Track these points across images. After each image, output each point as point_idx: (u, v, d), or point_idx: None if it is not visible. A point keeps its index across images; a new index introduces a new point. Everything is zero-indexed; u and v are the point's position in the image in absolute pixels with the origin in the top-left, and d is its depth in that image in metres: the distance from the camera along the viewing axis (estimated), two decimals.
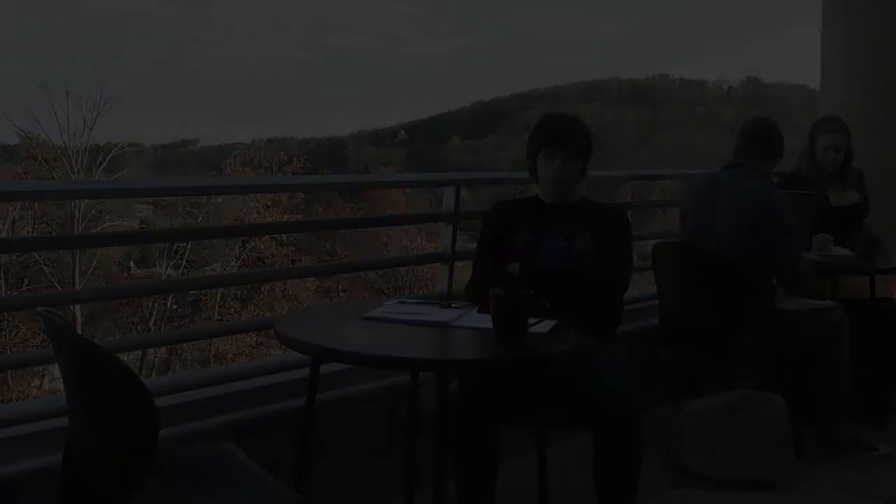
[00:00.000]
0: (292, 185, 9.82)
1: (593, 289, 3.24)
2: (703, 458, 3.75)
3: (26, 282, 26.10)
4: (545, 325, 2.63)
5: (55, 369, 17.63)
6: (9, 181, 22.41)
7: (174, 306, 27.62)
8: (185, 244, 27.33)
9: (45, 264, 25.88)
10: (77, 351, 1.91)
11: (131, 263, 32.87)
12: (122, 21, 76.06)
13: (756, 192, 3.99)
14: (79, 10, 68.28)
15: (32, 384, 23.17)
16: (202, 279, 10.87)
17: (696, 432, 3.78)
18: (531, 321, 2.56)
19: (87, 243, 15.71)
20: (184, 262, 28.14)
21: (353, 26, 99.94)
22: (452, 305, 3.01)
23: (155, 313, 26.45)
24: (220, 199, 28.25)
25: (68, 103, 28.20)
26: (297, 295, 27.74)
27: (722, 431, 3.76)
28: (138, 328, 26.54)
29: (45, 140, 28.87)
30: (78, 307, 22.23)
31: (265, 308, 27.25)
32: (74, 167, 27.36)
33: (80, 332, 11.98)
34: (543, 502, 2.84)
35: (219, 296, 27.16)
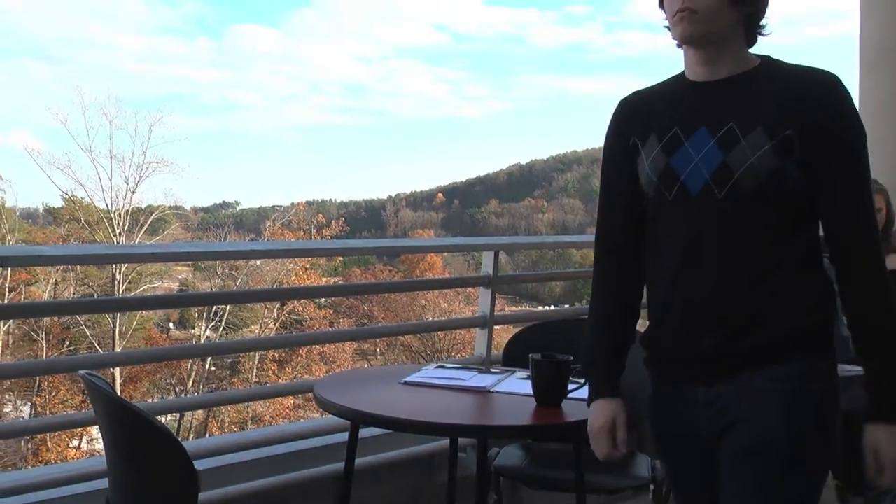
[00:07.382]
0: (330, 250, 9.83)
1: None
2: None
3: (67, 342, 26.41)
4: (585, 391, 2.61)
5: (94, 429, 17.66)
6: (52, 245, 22.72)
7: (212, 368, 27.78)
8: (223, 306, 27.50)
9: (86, 325, 26.19)
10: (118, 413, 1.93)
11: (171, 324, 33.20)
12: (163, 85, 77.81)
13: None
14: (121, 74, 69.94)
15: (70, 445, 23.28)
16: (241, 343, 10.90)
17: None
18: (571, 386, 2.54)
19: (127, 307, 15.83)
20: (223, 323, 28.33)
21: (391, 90, 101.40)
22: (491, 370, 2.99)
23: (193, 374, 26.60)
24: (258, 262, 28.50)
25: (111, 166, 28.72)
26: (334, 357, 27.78)
27: None
28: (176, 389, 26.70)
29: (89, 203, 29.40)
30: (118, 368, 22.47)
31: (303, 370, 27.31)
32: (116, 229, 27.76)
33: (119, 392, 12.02)
34: None
35: (257, 358, 27.29)
